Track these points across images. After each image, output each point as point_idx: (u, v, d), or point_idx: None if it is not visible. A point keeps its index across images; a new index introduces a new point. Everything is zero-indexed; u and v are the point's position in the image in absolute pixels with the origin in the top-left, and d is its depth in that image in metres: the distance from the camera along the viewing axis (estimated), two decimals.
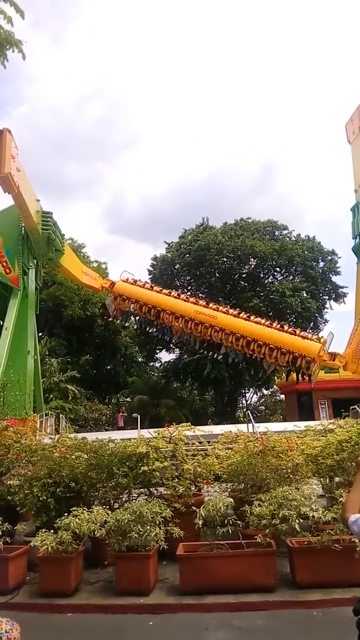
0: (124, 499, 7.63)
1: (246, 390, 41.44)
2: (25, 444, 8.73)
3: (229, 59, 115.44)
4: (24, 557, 6.65)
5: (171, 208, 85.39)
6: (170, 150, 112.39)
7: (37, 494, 7.13)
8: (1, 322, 15.81)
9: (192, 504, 6.95)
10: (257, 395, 44.95)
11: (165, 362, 38.75)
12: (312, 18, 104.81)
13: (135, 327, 28.83)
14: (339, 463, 7.37)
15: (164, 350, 37.45)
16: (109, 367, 38.93)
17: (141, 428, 13.27)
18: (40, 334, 25.02)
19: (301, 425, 10.19)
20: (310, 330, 28.49)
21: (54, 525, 6.33)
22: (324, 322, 35.68)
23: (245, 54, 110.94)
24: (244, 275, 35.37)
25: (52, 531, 6.22)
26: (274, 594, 5.77)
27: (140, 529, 6.03)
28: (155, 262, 36.36)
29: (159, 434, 8.31)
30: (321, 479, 7.83)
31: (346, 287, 33.70)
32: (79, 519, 6.19)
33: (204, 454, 8.21)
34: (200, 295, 29.84)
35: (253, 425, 12.19)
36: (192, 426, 8.80)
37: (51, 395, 25.45)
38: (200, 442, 8.67)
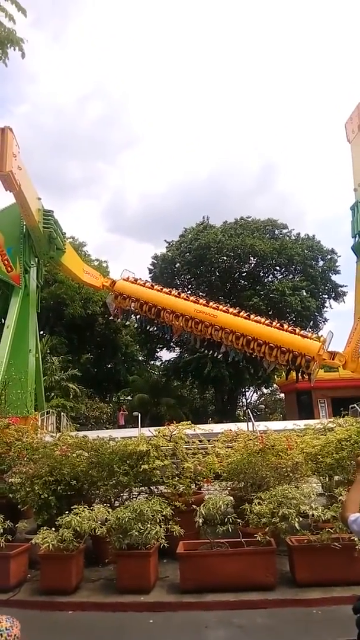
0: (124, 497, 7.65)
1: (246, 389, 41.46)
2: (27, 442, 8.76)
3: (230, 58, 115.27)
4: (25, 555, 6.68)
5: (172, 207, 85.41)
6: (171, 150, 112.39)
7: (38, 491, 7.15)
8: (2, 321, 15.82)
9: (192, 503, 6.97)
10: (257, 394, 45.02)
11: (165, 360, 38.83)
12: (312, 17, 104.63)
13: (135, 325, 28.88)
14: (338, 462, 7.39)
15: (165, 348, 37.48)
16: (109, 365, 38.95)
17: (142, 426, 13.29)
18: (41, 333, 25.01)
19: (301, 424, 10.21)
20: (310, 329, 28.55)
21: (55, 523, 6.36)
22: (323, 321, 35.71)
23: (246, 53, 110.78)
24: (244, 274, 35.36)
25: (53, 529, 6.25)
26: (273, 592, 5.79)
27: (141, 527, 6.05)
28: (155, 261, 36.37)
29: (159, 432, 8.32)
30: (321, 477, 7.85)
31: (346, 286, 33.72)
32: (80, 517, 6.23)
33: (204, 453, 8.22)
34: (200, 294, 29.87)
35: (253, 424, 12.19)
36: (193, 425, 8.82)
37: (52, 394, 25.46)
38: (200, 441, 8.69)
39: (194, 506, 6.55)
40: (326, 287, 34.60)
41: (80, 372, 30.57)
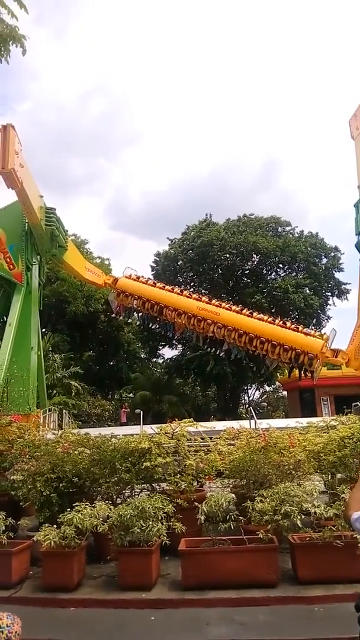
0: (126, 495, 7.65)
1: (249, 387, 41.51)
2: (29, 439, 8.78)
3: (232, 55, 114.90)
4: (27, 552, 6.68)
5: (174, 204, 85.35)
6: (172, 147, 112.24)
7: (40, 489, 7.15)
8: (5, 318, 15.86)
9: (194, 500, 6.98)
10: (259, 391, 45.08)
11: (168, 358, 38.94)
12: (314, 14, 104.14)
13: (138, 323, 28.87)
14: (341, 459, 7.37)
15: (167, 346, 37.55)
16: (111, 363, 39.02)
17: (144, 424, 13.33)
18: (43, 330, 25.08)
19: (303, 421, 10.17)
20: (313, 327, 28.53)
21: (57, 520, 6.36)
22: (326, 319, 35.72)
23: (247, 51, 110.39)
24: (246, 272, 35.33)
25: (55, 526, 6.25)
26: (275, 589, 5.78)
27: (143, 524, 6.04)
28: (158, 259, 36.38)
29: (161, 429, 8.31)
30: (323, 475, 7.83)
31: (349, 283, 33.67)
32: (81, 514, 6.22)
33: (206, 450, 8.22)
34: (202, 291, 29.86)
35: (255, 422, 12.21)
36: (195, 422, 8.81)
37: (54, 391, 25.55)
38: (202, 438, 8.68)
39: (196, 503, 6.54)
40: (329, 285, 34.55)
41: (82, 370, 30.65)
